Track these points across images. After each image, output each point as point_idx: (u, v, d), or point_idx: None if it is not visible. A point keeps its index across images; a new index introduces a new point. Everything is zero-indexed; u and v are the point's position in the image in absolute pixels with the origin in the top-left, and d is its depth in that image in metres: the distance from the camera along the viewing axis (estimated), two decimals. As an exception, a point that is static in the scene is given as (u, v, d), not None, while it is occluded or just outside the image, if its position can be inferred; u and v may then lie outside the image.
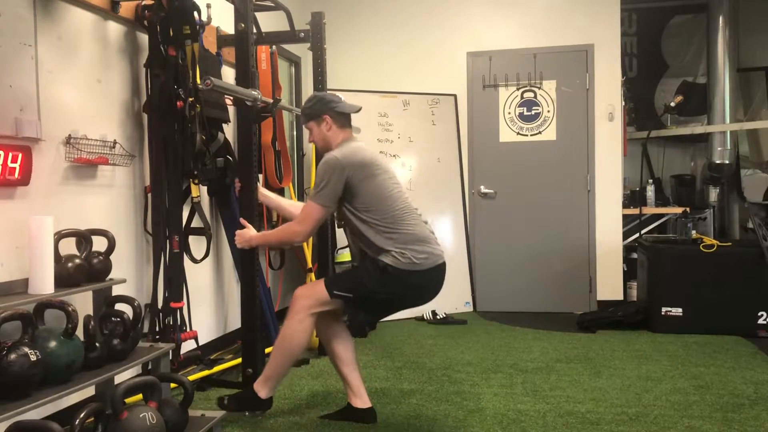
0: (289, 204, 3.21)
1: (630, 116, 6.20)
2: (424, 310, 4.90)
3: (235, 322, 3.91)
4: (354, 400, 2.77)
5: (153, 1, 2.98)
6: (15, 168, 2.28)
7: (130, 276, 2.98)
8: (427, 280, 2.65)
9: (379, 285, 2.59)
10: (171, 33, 2.97)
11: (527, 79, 5.27)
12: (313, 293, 2.66)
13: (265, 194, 3.10)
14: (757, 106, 6.20)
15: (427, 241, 2.64)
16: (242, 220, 2.90)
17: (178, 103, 2.94)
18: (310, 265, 4.29)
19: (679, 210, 5.56)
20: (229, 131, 3.68)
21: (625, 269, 5.25)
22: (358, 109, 2.80)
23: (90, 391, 2.48)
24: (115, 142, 2.89)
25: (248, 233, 2.84)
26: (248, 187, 2.92)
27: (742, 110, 6.15)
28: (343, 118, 2.75)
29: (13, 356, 1.83)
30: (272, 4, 3.47)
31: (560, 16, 5.24)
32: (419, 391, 3.17)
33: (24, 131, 2.35)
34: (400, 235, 2.59)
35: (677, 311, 4.41)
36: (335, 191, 2.58)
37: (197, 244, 3.32)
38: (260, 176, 3.94)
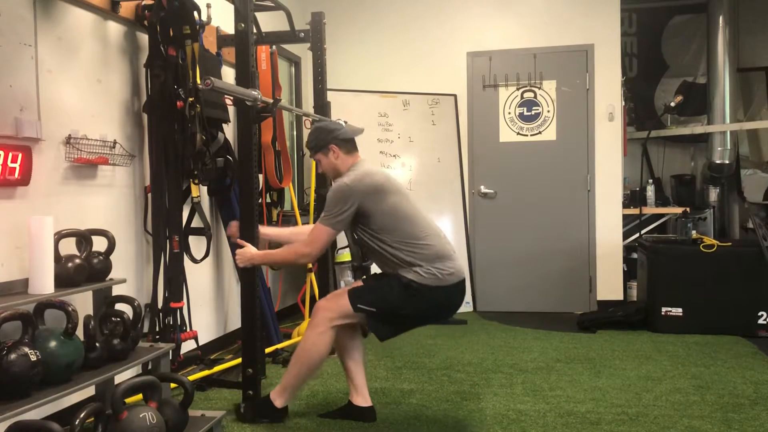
0: (290, 233, 3.12)
1: (630, 116, 6.20)
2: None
3: (235, 322, 3.91)
4: (355, 397, 2.78)
5: (153, 1, 2.98)
6: (15, 168, 2.28)
7: (130, 276, 2.98)
8: (449, 297, 2.66)
9: (402, 301, 2.59)
10: (171, 33, 2.98)
11: (527, 79, 5.27)
12: (336, 306, 2.65)
13: (264, 232, 2.99)
14: (757, 106, 6.21)
15: (450, 257, 2.65)
16: (240, 240, 2.84)
17: (178, 103, 2.95)
18: (310, 265, 4.29)
19: (679, 210, 5.56)
20: (229, 131, 3.68)
21: (625, 269, 5.24)
22: (361, 131, 2.83)
23: (90, 391, 2.48)
24: (115, 142, 2.89)
25: (249, 252, 2.79)
26: (248, 188, 2.92)
27: (742, 110, 6.15)
28: (348, 144, 2.77)
29: (13, 356, 1.83)
30: (272, 4, 3.47)
31: (560, 16, 5.24)
32: (419, 391, 3.17)
33: (24, 131, 2.35)
34: (421, 254, 2.59)
35: (677, 311, 4.41)
36: (346, 217, 2.59)
37: (197, 244, 3.32)
38: (260, 176, 3.95)
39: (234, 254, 3.84)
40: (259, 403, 2.79)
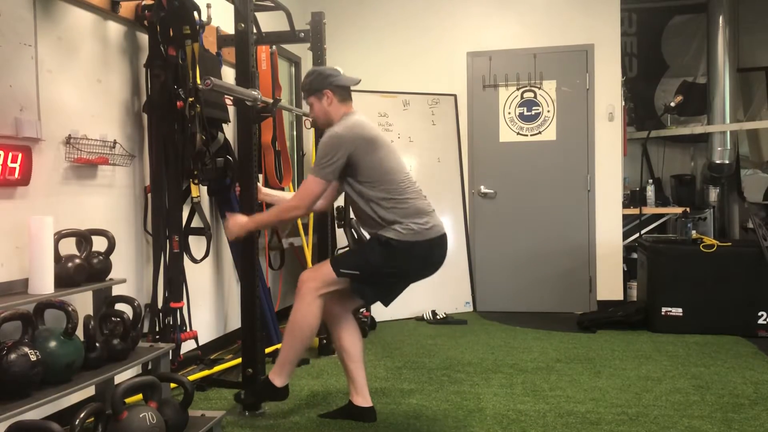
0: (284, 195, 3.21)
1: (630, 116, 6.20)
2: (425, 309, 4.90)
3: (235, 322, 3.91)
4: (356, 397, 2.77)
5: (153, 1, 2.98)
6: (15, 168, 2.28)
7: (130, 276, 2.98)
8: (430, 251, 2.67)
9: (384, 259, 2.60)
10: (171, 33, 2.98)
11: (527, 79, 5.27)
12: (319, 275, 2.66)
13: (266, 192, 3.10)
14: (757, 106, 6.21)
15: (428, 213, 2.68)
16: (228, 214, 2.84)
17: (178, 103, 2.95)
18: (310, 265, 4.29)
19: (679, 210, 5.56)
20: (229, 131, 3.69)
21: (625, 269, 5.25)
22: (358, 81, 2.79)
23: (90, 391, 2.48)
24: (115, 142, 2.89)
25: (240, 219, 2.75)
26: (248, 188, 2.92)
27: (742, 110, 6.15)
28: (343, 92, 2.75)
29: (13, 356, 1.83)
30: (272, 4, 3.47)
31: (560, 16, 5.24)
32: (419, 391, 3.17)
33: (24, 131, 2.35)
34: (401, 209, 2.61)
35: (677, 311, 4.41)
36: (337, 167, 2.58)
37: (197, 244, 3.32)
38: (260, 176, 3.95)
39: (234, 254, 3.86)
40: (260, 386, 2.80)
